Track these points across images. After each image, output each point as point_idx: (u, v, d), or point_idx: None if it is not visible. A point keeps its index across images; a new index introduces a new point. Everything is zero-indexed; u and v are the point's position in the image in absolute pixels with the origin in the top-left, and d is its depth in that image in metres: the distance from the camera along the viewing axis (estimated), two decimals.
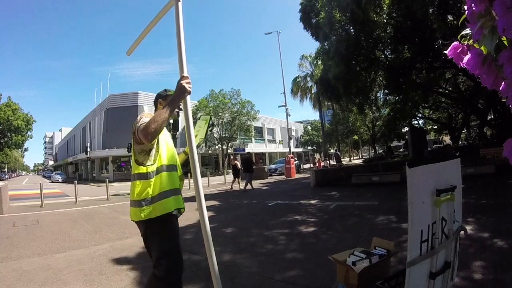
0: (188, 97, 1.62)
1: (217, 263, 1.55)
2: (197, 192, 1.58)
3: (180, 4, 1.60)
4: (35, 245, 4.53)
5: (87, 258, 3.72)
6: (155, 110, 1.92)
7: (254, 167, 13.76)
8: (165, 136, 1.87)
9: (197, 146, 2.05)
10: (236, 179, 12.93)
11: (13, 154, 56.09)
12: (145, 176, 1.72)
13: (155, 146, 1.77)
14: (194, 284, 2.78)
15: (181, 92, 1.59)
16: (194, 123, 2.18)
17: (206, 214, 1.58)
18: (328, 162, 25.56)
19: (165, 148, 1.84)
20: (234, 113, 30.22)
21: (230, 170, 14.83)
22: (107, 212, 7.87)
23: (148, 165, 1.73)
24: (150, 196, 1.69)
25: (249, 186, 11.95)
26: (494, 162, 9.22)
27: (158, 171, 1.75)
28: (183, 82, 1.58)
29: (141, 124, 1.65)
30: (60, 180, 32.90)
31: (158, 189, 1.71)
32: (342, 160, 26.78)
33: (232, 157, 17.71)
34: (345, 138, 38.31)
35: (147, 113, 1.79)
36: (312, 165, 25.55)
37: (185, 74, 1.60)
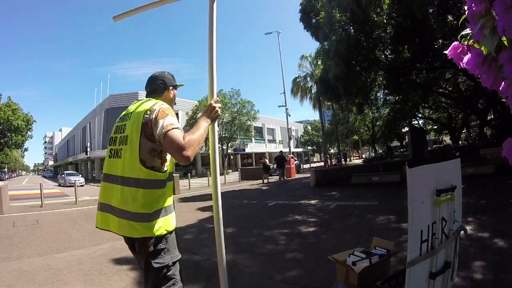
0: (215, 121, 1.64)
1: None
2: (215, 203, 1.59)
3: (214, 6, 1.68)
4: (35, 245, 4.53)
5: (87, 258, 3.72)
6: (156, 96, 1.59)
7: (269, 165, 16.88)
8: None
9: None
10: (265, 174, 15.55)
11: (13, 154, 56.08)
12: (159, 185, 1.40)
13: None
14: (194, 284, 2.78)
15: (216, 115, 1.58)
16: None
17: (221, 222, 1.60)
18: (338, 160, 28.08)
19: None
20: (234, 113, 30.19)
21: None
22: None
23: (164, 171, 1.44)
24: (162, 208, 1.40)
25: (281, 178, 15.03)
26: (494, 162, 9.23)
27: (170, 178, 1.49)
28: (217, 106, 1.57)
29: (172, 129, 1.32)
30: (79, 183, 20.16)
31: (169, 199, 1.46)
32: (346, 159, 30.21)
33: (262, 157, 21.25)
34: (345, 138, 38.28)
35: (167, 107, 1.44)
36: (324, 164, 28.17)
37: (216, 97, 1.63)
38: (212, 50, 1.63)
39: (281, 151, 18.80)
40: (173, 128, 1.32)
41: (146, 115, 1.37)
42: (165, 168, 1.44)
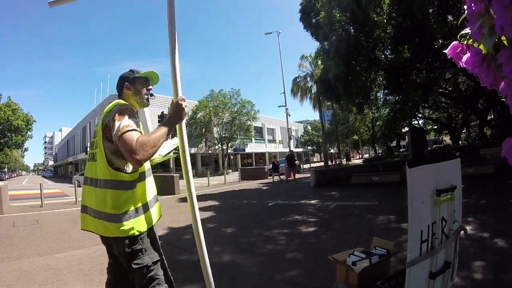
0: (184, 121, 1.48)
1: (210, 266, 1.44)
2: (191, 204, 1.53)
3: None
4: (35, 245, 4.53)
5: (87, 258, 3.71)
6: (119, 96, 1.59)
7: (277, 164, 18.10)
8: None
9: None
10: (274, 173, 16.81)
11: (13, 154, 56.12)
12: (126, 186, 1.40)
13: None
14: (194, 284, 2.78)
15: (182, 113, 1.43)
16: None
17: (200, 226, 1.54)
18: (341, 159, 30.63)
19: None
20: (234, 113, 30.22)
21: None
22: None
23: (130, 173, 1.41)
24: (132, 209, 1.40)
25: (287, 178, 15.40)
26: (494, 162, 9.22)
27: (141, 178, 1.47)
28: (183, 103, 1.43)
29: (128, 131, 1.31)
30: None
31: (142, 200, 1.45)
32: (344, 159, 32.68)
33: (273, 156, 22.72)
34: (345, 138, 38.32)
35: (125, 107, 1.42)
36: (330, 163, 29.16)
37: (181, 95, 1.46)
38: (174, 43, 1.51)
39: (291, 150, 19.76)
40: (128, 131, 1.30)
41: (106, 118, 1.39)
42: (130, 170, 1.41)
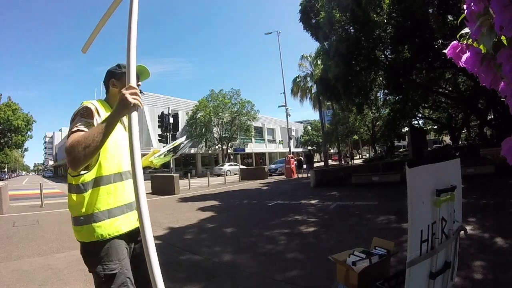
0: (134, 114, 1.11)
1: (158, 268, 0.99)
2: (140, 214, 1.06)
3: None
4: (35, 245, 4.53)
5: None
6: (107, 92, 1.50)
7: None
8: (116, 133, 1.34)
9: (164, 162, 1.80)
10: (299, 170, 18.38)
11: (13, 154, 56.08)
12: (75, 189, 1.29)
13: None
14: (194, 284, 2.78)
15: (123, 106, 1.11)
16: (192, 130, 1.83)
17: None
18: (349, 158, 32.57)
19: (113, 151, 1.36)
20: (234, 113, 30.22)
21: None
22: None
23: (81, 174, 1.28)
24: (85, 214, 1.29)
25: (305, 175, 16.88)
26: (494, 162, 9.21)
27: (100, 182, 1.31)
28: (126, 93, 1.10)
29: (71, 133, 1.20)
30: None
31: (99, 207, 1.30)
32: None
33: (295, 155, 23.93)
34: (345, 138, 38.33)
35: (80, 107, 1.32)
36: (339, 162, 30.61)
37: (133, 83, 1.14)
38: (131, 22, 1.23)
39: (309, 149, 20.43)
40: (71, 133, 1.21)
41: (71, 120, 1.31)
42: (75, 173, 1.28)
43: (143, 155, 1.57)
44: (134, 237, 1.41)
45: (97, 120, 1.31)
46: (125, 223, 1.37)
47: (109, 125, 1.15)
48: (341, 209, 6.24)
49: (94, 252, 1.31)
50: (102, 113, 1.36)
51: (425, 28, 10.19)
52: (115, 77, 1.46)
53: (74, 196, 1.30)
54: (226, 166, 26.61)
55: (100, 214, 1.30)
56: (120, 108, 1.12)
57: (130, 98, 1.10)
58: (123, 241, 1.36)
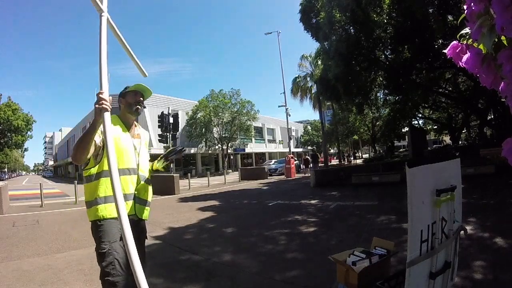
0: (107, 115, 1.32)
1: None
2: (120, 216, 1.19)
3: (104, 18, 1.41)
4: (35, 245, 4.53)
5: (87, 258, 3.71)
6: (120, 109, 1.89)
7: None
8: (117, 136, 1.67)
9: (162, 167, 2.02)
10: (306, 168, 19.57)
11: (13, 154, 56.08)
12: (86, 180, 1.70)
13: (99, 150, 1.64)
14: (194, 284, 2.78)
15: (95, 113, 1.42)
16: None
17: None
18: (351, 158, 34.07)
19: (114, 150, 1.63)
20: (234, 113, 30.20)
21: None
22: None
23: (88, 168, 1.67)
24: (89, 200, 1.67)
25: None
26: (494, 162, 9.21)
27: (100, 175, 1.65)
28: (96, 101, 1.37)
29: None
30: None
31: (96, 194, 1.64)
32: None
33: (304, 153, 25.59)
34: (345, 138, 38.34)
35: None
36: (343, 161, 31.02)
37: (103, 89, 1.35)
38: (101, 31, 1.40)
39: (313, 149, 20.79)
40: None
41: None
42: (84, 167, 1.69)
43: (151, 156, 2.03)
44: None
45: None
46: (119, 208, 1.61)
47: (90, 129, 1.47)
48: (341, 209, 6.24)
49: (95, 231, 1.64)
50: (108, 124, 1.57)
51: (425, 28, 10.19)
52: (121, 96, 1.84)
53: (85, 186, 1.70)
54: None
55: (99, 200, 1.63)
56: (95, 114, 1.42)
57: (96, 105, 1.37)
58: (117, 226, 1.57)
